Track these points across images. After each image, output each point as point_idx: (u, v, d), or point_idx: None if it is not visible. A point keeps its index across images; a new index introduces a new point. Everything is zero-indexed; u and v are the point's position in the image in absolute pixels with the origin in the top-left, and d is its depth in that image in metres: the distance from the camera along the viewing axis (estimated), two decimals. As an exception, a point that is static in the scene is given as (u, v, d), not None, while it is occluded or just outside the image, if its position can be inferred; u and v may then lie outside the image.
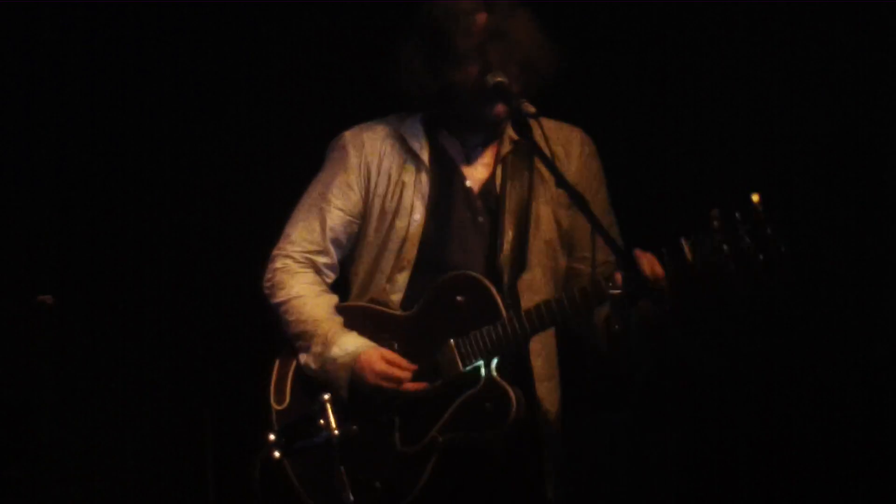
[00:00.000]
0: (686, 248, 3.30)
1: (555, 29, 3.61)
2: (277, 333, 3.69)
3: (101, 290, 4.57)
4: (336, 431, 3.46)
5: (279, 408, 3.61)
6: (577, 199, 3.31)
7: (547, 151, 3.39)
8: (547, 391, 3.60)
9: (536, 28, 3.56)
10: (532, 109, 3.42)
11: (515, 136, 3.60)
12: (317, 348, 3.56)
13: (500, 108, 3.50)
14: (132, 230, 4.63)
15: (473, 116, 3.57)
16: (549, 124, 3.51)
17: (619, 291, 3.34)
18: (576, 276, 3.64)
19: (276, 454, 3.53)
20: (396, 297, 3.59)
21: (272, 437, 3.54)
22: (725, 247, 3.26)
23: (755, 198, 3.27)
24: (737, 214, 3.26)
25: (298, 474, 3.56)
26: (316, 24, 4.54)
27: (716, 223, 3.28)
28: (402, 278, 3.59)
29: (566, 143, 3.61)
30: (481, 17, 3.53)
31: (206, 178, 4.61)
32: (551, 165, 3.37)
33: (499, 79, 3.45)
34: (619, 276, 3.33)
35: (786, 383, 4.28)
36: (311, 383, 3.58)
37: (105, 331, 4.56)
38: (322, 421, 3.49)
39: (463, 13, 3.53)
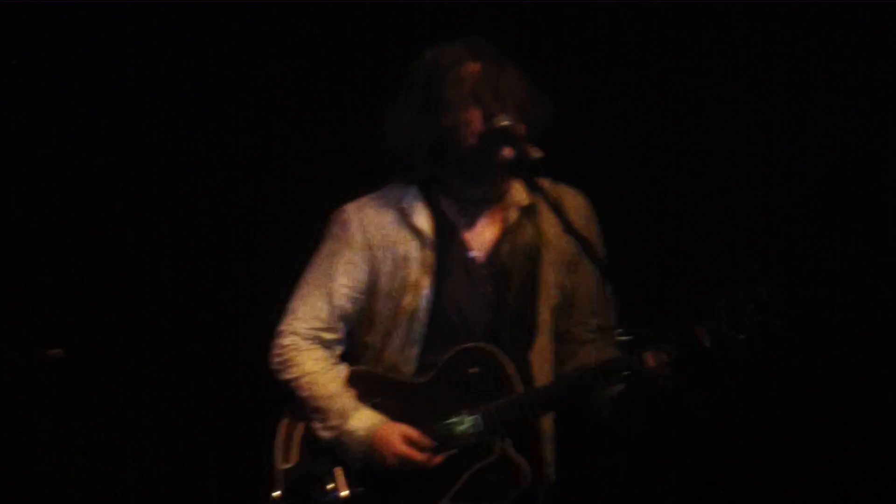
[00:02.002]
0: (702, 336, 3.34)
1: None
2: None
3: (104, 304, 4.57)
4: (345, 493, 3.51)
5: (285, 467, 3.58)
6: (585, 246, 3.35)
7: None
8: (551, 452, 3.65)
9: (525, 75, 3.56)
10: (538, 154, 3.40)
11: (523, 202, 3.62)
12: (333, 422, 3.54)
13: (506, 152, 3.45)
14: (135, 235, 4.62)
15: (476, 165, 3.52)
16: (547, 183, 3.50)
17: (628, 338, 3.42)
18: (570, 339, 3.67)
19: (282, 513, 3.57)
20: (408, 370, 3.59)
21: (277, 494, 3.58)
22: (741, 336, 3.33)
23: (760, 288, 3.34)
24: (750, 304, 3.33)
25: None
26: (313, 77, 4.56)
27: (724, 307, 3.34)
28: (414, 353, 3.58)
29: (569, 202, 3.57)
30: (472, 66, 3.52)
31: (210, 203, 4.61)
32: (561, 214, 3.37)
33: (504, 122, 3.43)
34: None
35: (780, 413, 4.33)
36: (319, 446, 3.57)
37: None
38: (331, 482, 3.53)
39: (452, 63, 3.52)
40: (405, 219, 3.61)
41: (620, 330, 3.50)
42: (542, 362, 3.58)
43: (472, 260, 3.62)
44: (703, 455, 4.37)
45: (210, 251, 4.64)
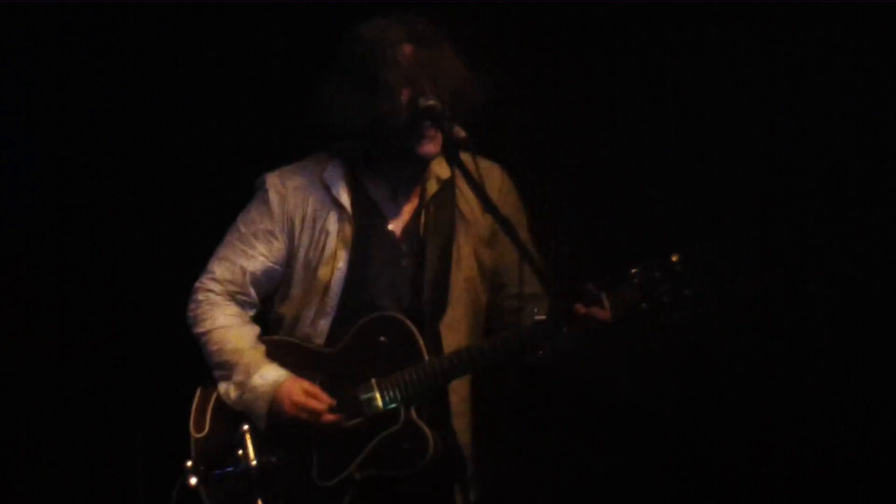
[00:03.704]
0: (606, 302, 3.38)
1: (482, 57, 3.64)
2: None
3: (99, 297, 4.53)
4: (254, 462, 3.53)
5: (198, 436, 3.61)
6: (504, 225, 3.40)
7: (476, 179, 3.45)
8: (462, 426, 3.66)
9: (461, 58, 3.59)
10: (463, 134, 3.45)
11: (443, 175, 3.66)
12: (238, 377, 3.58)
13: (431, 132, 3.50)
14: (131, 232, 4.56)
15: (403, 146, 3.56)
16: (468, 157, 3.52)
17: (543, 317, 3.45)
18: (504, 311, 3.71)
19: (193, 481, 3.57)
20: (319, 342, 3.62)
21: (189, 464, 3.58)
22: (644, 304, 3.39)
23: (674, 258, 3.40)
24: (657, 274, 3.39)
25: (212, 502, 3.55)
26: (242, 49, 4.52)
27: (636, 280, 3.40)
28: (325, 324, 3.61)
29: (487, 177, 3.61)
30: (407, 48, 3.54)
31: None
32: (481, 193, 3.44)
33: (431, 102, 3.47)
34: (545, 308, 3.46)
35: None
36: (231, 413, 3.59)
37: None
38: (241, 451, 3.54)
39: (389, 45, 3.53)
40: (326, 192, 3.65)
41: (536, 309, 3.52)
42: (453, 334, 3.61)
43: (390, 233, 3.66)
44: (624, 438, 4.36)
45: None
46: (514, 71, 4.07)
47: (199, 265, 3.75)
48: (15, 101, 4.49)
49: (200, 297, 3.67)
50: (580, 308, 3.39)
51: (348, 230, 3.63)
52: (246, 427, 3.55)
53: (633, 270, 3.42)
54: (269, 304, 3.72)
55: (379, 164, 3.66)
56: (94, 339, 4.50)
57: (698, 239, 3.46)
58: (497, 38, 4.23)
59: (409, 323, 3.55)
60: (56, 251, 4.53)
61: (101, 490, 4.45)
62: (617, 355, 3.77)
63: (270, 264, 3.67)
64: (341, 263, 3.61)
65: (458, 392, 3.65)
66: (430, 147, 3.54)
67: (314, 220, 3.64)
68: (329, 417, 3.50)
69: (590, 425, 4.31)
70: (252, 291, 3.68)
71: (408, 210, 3.68)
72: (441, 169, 3.68)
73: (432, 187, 3.67)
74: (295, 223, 3.65)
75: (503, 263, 3.69)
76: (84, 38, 4.49)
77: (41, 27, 4.46)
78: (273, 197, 3.66)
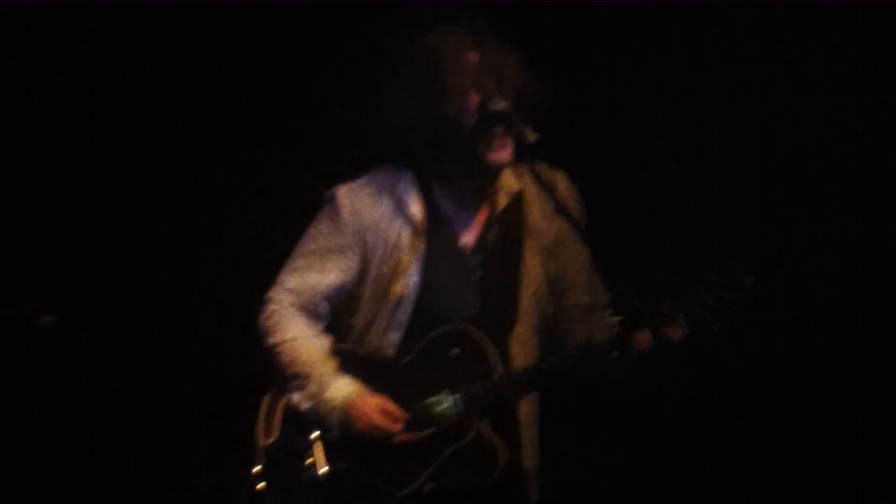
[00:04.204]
0: (684, 324, 3.39)
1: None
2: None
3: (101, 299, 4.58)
4: (324, 469, 3.53)
5: (266, 442, 3.62)
6: (577, 228, 3.45)
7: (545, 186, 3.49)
8: (529, 437, 3.69)
9: (524, 63, 3.59)
10: (533, 137, 3.45)
11: (513, 189, 3.67)
12: (311, 389, 3.58)
13: (501, 139, 3.50)
14: (134, 234, 4.64)
15: (473, 153, 3.55)
16: (543, 168, 3.56)
17: (619, 318, 3.44)
18: (570, 319, 3.71)
19: (260, 487, 3.58)
20: (389, 352, 3.63)
21: (257, 469, 3.60)
22: (717, 325, 3.39)
23: (749, 280, 3.38)
24: (722, 290, 3.39)
25: None
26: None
27: (708, 299, 3.39)
28: (396, 336, 3.62)
29: (555, 183, 3.61)
30: (473, 56, 3.55)
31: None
32: (553, 197, 3.47)
33: (502, 105, 3.47)
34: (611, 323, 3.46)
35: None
36: (300, 421, 3.60)
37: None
38: (310, 459, 3.55)
39: (455, 51, 3.54)
40: (399, 206, 3.65)
41: (610, 311, 3.50)
42: (521, 347, 3.63)
43: (461, 247, 3.67)
44: (693, 450, 4.37)
45: (199, 227, 4.66)
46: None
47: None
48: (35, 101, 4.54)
49: (274, 307, 3.67)
50: (653, 330, 3.39)
51: (420, 245, 3.63)
52: (316, 434, 3.57)
53: (698, 286, 3.40)
54: (338, 313, 3.72)
55: (449, 177, 3.66)
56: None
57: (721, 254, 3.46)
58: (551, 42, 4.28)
59: (481, 335, 3.56)
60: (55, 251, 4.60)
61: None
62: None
63: (344, 278, 3.66)
64: (414, 278, 3.61)
65: (528, 403, 3.67)
66: (501, 155, 3.54)
67: (387, 235, 3.64)
68: (404, 437, 3.52)
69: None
70: (324, 305, 3.68)
71: (477, 224, 3.68)
72: (511, 182, 3.69)
73: (502, 200, 3.68)
74: (367, 238, 3.64)
75: (566, 272, 3.69)
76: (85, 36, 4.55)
77: (46, 27, 4.50)
78: (345, 212, 3.66)
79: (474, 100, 3.51)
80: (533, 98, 3.54)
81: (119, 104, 4.60)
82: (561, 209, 3.46)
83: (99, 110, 4.60)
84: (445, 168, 3.65)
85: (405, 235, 3.63)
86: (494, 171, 3.62)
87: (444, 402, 3.52)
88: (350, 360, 3.63)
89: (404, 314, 3.61)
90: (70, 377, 4.52)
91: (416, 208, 3.64)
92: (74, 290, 4.57)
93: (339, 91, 4.45)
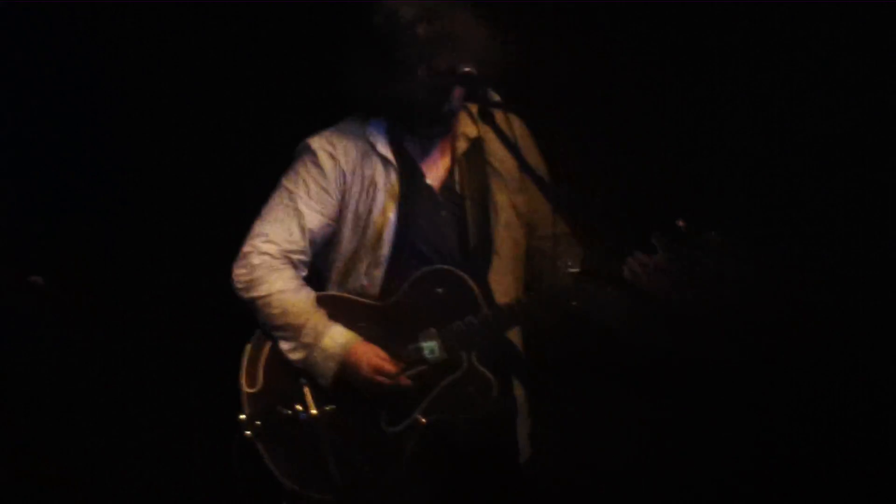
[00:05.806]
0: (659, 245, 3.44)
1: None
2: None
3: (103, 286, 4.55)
4: (314, 412, 3.54)
5: (251, 390, 3.65)
6: (535, 179, 3.52)
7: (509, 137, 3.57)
8: (518, 370, 3.75)
9: (480, 24, 3.64)
10: (496, 97, 3.60)
11: (470, 134, 3.77)
12: (306, 339, 3.63)
13: (458, 93, 3.60)
14: (136, 225, 4.60)
15: (432, 111, 3.65)
16: (499, 115, 3.65)
17: (577, 270, 3.56)
18: (538, 255, 3.81)
19: (248, 434, 3.58)
20: (374, 292, 3.71)
21: (243, 417, 3.59)
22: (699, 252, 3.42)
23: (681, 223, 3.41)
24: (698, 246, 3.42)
25: (272, 455, 3.60)
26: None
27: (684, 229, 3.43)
28: (379, 274, 3.70)
29: (510, 128, 3.71)
30: (425, 26, 3.59)
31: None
32: (514, 149, 3.56)
33: (468, 69, 3.52)
34: (579, 255, 3.58)
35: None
36: (287, 368, 3.65)
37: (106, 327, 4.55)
38: (299, 404, 3.54)
39: (405, 24, 3.59)
40: (371, 147, 3.75)
41: (569, 262, 3.61)
42: (501, 280, 3.71)
43: (430, 187, 3.76)
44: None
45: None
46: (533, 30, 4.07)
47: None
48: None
49: (256, 260, 3.70)
50: (634, 265, 3.44)
51: (395, 182, 3.72)
52: (304, 380, 3.61)
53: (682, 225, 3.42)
54: (321, 257, 3.78)
55: (409, 126, 3.75)
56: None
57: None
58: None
59: (464, 275, 3.64)
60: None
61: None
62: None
63: (326, 220, 3.73)
64: (391, 214, 3.70)
65: (515, 339, 3.76)
66: (458, 94, 3.62)
67: (363, 174, 3.73)
68: (404, 381, 3.59)
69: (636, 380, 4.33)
70: (308, 249, 3.74)
71: (442, 166, 3.78)
72: (468, 127, 3.79)
73: (462, 145, 3.78)
74: (346, 177, 3.73)
75: (533, 204, 3.79)
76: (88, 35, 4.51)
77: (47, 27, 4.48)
78: (322, 156, 3.74)
79: (424, 72, 3.57)
80: (492, 57, 3.59)
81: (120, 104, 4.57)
82: (516, 151, 3.55)
83: (88, 96, 4.56)
84: (406, 122, 3.75)
85: (380, 173, 3.72)
86: (450, 119, 3.72)
87: (435, 338, 3.60)
88: (337, 308, 3.69)
89: (385, 250, 3.68)
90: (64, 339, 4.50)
91: (385, 150, 3.74)
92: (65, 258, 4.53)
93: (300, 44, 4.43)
